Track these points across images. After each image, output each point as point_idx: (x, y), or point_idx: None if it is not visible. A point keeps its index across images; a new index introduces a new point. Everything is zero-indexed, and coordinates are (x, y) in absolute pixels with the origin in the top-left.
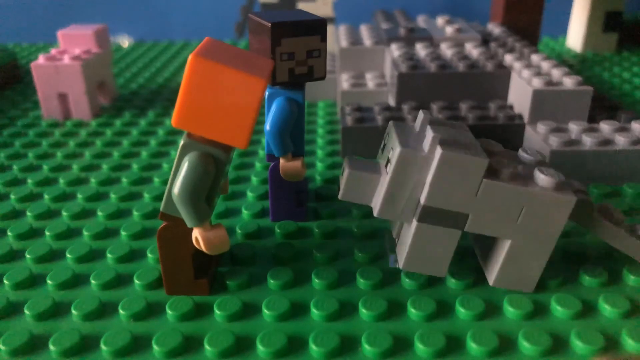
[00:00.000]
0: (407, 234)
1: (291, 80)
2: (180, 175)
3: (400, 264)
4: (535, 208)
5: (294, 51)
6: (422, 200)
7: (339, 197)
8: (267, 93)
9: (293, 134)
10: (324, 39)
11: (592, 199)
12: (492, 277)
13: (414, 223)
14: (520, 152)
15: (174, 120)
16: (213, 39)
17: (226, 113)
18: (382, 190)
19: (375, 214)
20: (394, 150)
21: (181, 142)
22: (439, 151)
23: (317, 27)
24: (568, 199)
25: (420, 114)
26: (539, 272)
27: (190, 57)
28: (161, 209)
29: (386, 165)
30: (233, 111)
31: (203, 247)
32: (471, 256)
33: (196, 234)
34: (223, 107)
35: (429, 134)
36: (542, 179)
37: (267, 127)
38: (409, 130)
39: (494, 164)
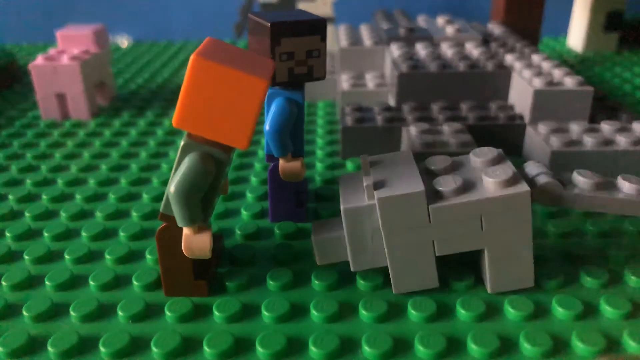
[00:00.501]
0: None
1: (291, 80)
2: (178, 173)
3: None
4: (492, 212)
5: (293, 51)
6: (384, 242)
7: (318, 263)
8: (267, 93)
9: (293, 135)
10: (323, 38)
11: (555, 176)
12: (487, 285)
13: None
14: (471, 156)
15: (174, 121)
16: (214, 39)
17: (227, 113)
18: (347, 246)
19: (351, 268)
20: (340, 208)
21: (182, 143)
22: (376, 197)
23: (317, 27)
24: (521, 192)
25: (361, 159)
26: (530, 265)
27: (191, 57)
28: (161, 210)
29: None
30: (234, 112)
31: (182, 247)
32: (470, 257)
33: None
34: (224, 107)
35: (364, 182)
36: (489, 181)
37: (267, 127)
38: (354, 181)
39: (436, 186)
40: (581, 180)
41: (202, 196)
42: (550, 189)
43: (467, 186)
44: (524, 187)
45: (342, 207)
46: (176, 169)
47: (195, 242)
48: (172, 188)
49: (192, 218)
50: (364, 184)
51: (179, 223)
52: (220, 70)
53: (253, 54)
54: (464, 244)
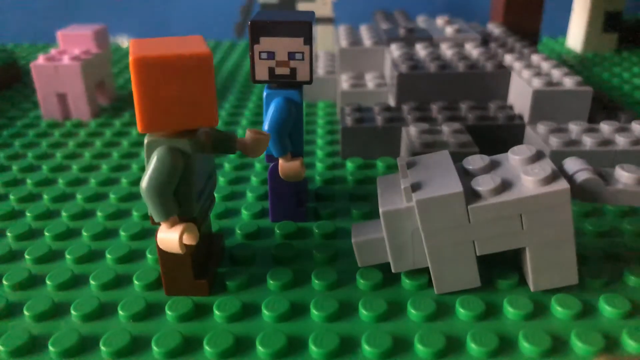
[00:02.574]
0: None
1: (272, 80)
2: (147, 170)
3: (435, 289)
4: (532, 210)
5: (273, 51)
6: (424, 244)
7: (359, 265)
8: (264, 94)
9: (292, 134)
10: (307, 41)
11: (597, 172)
12: (530, 283)
13: (429, 259)
14: (510, 155)
15: (139, 128)
16: (136, 39)
17: (187, 99)
18: (388, 248)
19: (392, 270)
20: (379, 211)
21: (145, 141)
22: (414, 199)
23: (298, 29)
24: (560, 189)
25: (398, 162)
26: (573, 262)
27: (131, 61)
28: (149, 213)
29: None
30: (193, 94)
31: (157, 242)
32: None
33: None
34: (182, 95)
35: (401, 185)
36: (528, 180)
37: (265, 127)
38: (392, 183)
39: (474, 186)
40: (624, 175)
41: (173, 190)
42: (591, 186)
43: (506, 185)
44: (563, 185)
45: (380, 210)
46: (147, 168)
47: (166, 237)
48: (143, 184)
49: (166, 212)
50: (402, 187)
51: (155, 219)
52: (162, 61)
53: (181, 37)
54: (504, 243)
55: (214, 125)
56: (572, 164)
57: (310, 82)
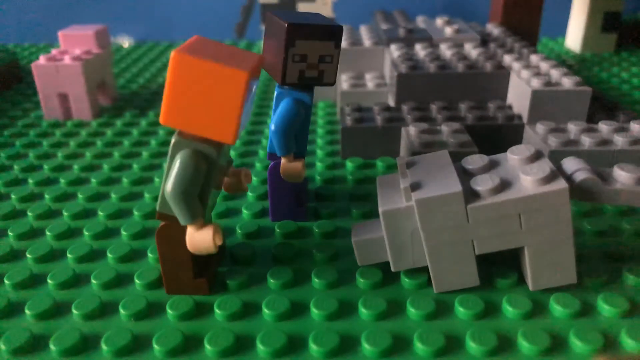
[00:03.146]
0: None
1: (300, 83)
2: (172, 174)
3: (435, 288)
4: (531, 210)
5: (306, 54)
6: (424, 243)
7: (359, 264)
8: (276, 92)
9: (297, 136)
10: (338, 45)
11: (595, 172)
12: (529, 282)
13: (428, 259)
14: (508, 154)
15: (161, 118)
16: (201, 37)
17: (212, 108)
18: (387, 247)
19: (392, 269)
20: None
21: (172, 140)
22: (413, 199)
23: (333, 33)
24: (559, 189)
25: (397, 161)
26: (572, 261)
27: (172, 54)
28: (157, 209)
29: None
30: (218, 106)
31: (187, 245)
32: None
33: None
34: (208, 102)
35: (400, 184)
36: (527, 179)
37: (272, 126)
38: (392, 183)
39: (473, 185)
40: (623, 174)
41: (198, 192)
42: (590, 185)
43: (505, 185)
44: (562, 184)
45: (380, 209)
46: (169, 167)
47: (198, 239)
48: (168, 188)
49: (193, 215)
50: (401, 186)
51: (182, 222)
52: (200, 65)
53: (239, 49)
54: (503, 242)
55: (228, 142)
56: (570, 164)
57: (333, 83)
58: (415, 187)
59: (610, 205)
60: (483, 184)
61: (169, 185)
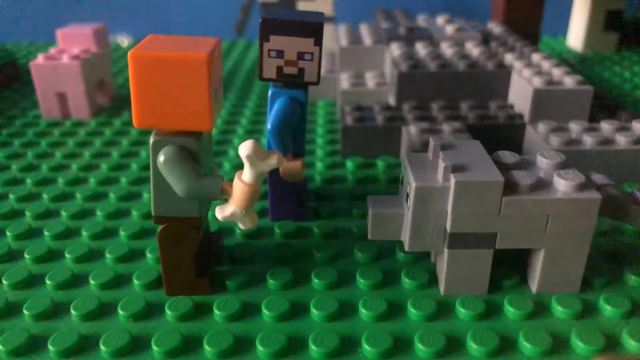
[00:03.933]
0: (442, 262)
1: (279, 79)
2: (170, 178)
3: (441, 289)
4: (561, 214)
5: (282, 50)
6: (448, 228)
7: (369, 237)
8: (270, 92)
9: (294, 135)
10: (318, 42)
11: (620, 188)
12: (534, 285)
13: (446, 251)
14: (539, 157)
15: (135, 121)
16: (155, 34)
17: (181, 100)
18: (407, 225)
19: (406, 248)
20: (410, 185)
21: (151, 140)
22: (453, 180)
23: (309, 29)
24: (592, 198)
25: (431, 142)
26: (580, 271)
27: (129, 54)
28: (153, 213)
29: (406, 200)
30: (187, 96)
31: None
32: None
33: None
34: (176, 95)
35: (441, 163)
36: (562, 183)
37: (269, 125)
38: (422, 161)
39: (511, 179)
40: None
41: (200, 172)
42: (620, 202)
43: (540, 184)
44: (595, 194)
45: (413, 184)
46: (153, 166)
47: (242, 195)
48: (181, 194)
49: (213, 190)
50: (442, 165)
51: (214, 199)
52: (159, 59)
53: (196, 37)
54: (524, 241)
55: (206, 130)
56: (598, 178)
57: (317, 83)
58: (455, 169)
59: (632, 225)
60: (522, 179)
61: (179, 189)
